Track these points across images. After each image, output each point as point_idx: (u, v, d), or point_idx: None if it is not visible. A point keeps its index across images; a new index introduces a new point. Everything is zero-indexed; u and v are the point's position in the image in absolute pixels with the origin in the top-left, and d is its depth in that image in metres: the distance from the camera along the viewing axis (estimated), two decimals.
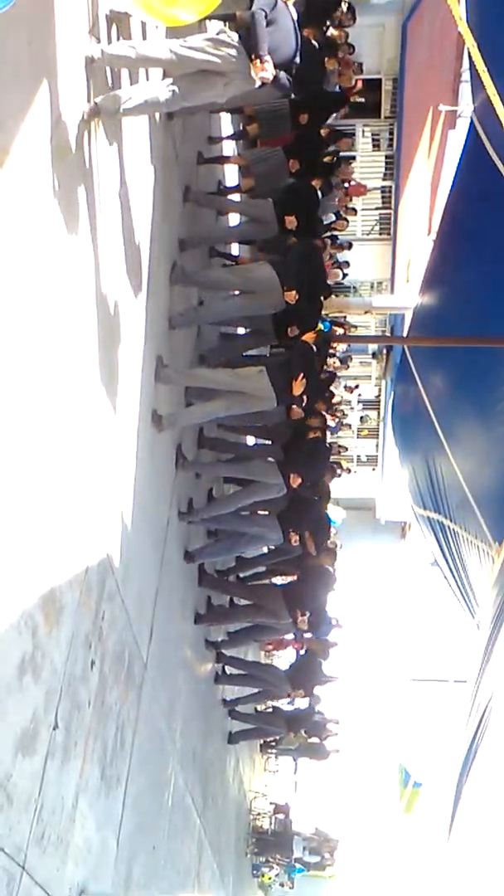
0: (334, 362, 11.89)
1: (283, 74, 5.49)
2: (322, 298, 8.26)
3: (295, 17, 5.84)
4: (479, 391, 9.97)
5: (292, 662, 11.18)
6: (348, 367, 16.98)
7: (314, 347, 7.47)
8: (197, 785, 9.42)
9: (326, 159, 9.50)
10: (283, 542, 8.80)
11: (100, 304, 5.22)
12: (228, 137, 10.03)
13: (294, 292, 7.37)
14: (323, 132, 8.82)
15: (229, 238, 9.72)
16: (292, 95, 7.72)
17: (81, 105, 4.73)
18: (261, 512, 8.94)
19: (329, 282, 8.95)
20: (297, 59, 5.86)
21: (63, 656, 4.62)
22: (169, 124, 7.25)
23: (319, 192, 8.65)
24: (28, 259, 3.94)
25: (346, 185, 11.68)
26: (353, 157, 15.69)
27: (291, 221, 7.88)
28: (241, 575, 10.88)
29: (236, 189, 9.41)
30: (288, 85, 5.69)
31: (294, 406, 7.32)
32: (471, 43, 5.15)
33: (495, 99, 5.10)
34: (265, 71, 5.17)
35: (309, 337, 7.41)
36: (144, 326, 6.45)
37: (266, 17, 5.35)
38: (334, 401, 15.85)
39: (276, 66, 5.34)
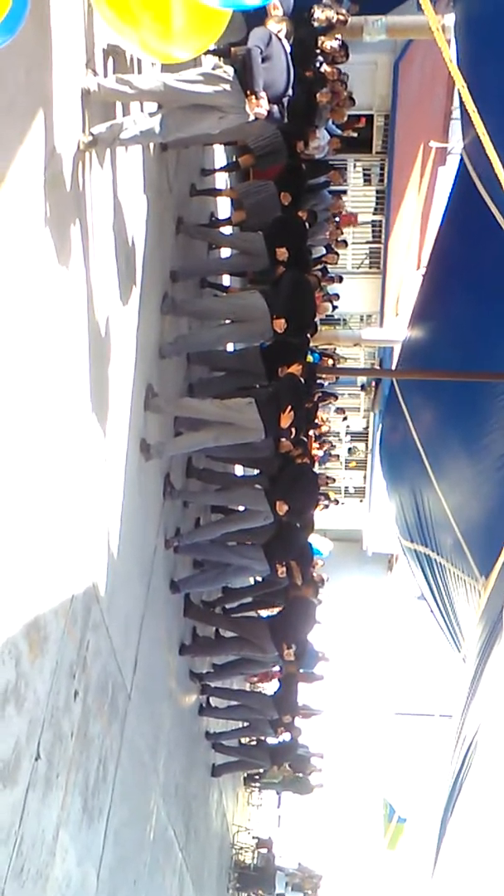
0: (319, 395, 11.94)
1: (275, 108, 5.56)
2: (308, 334, 8.30)
3: (288, 51, 5.92)
4: (467, 425, 10.02)
5: (277, 689, 11.11)
6: (336, 398, 17.05)
7: (301, 380, 7.49)
8: (179, 818, 9.32)
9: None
10: (270, 573, 8.78)
11: (90, 334, 5.23)
12: (221, 169, 10.13)
13: (283, 321, 7.40)
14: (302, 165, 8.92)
15: (220, 270, 9.78)
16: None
17: (77, 135, 4.77)
18: (247, 543, 8.92)
19: (318, 316, 8.98)
20: (290, 92, 5.93)
21: (46, 686, 4.58)
22: (163, 156, 7.32)
23: (306, 224, 8.72)
24: (20, 287, 3.95)
25: (337, 217, 11.80)
26: (345, 191, 15.81)
27: (283, 253, 7.94)
28: (228, 606, 10.84)
29: (228, 221, 9.48)
30: (280, 118, 5.76)
31: (283, 439, 7.33)
32: (460, 83, 5.23)
33: (484, 138, 5.17)
34: (260, 107, 5.25)
35: (295, 369, 7.42)
36: (135, 356, 6.46)
37: (261, 53, 5.42)
38: (323, 429, 15.92)
39: (270, 101, 5.41)
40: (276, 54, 5.66)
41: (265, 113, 5.30)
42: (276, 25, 6.28)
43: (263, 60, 5.42)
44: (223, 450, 8.20)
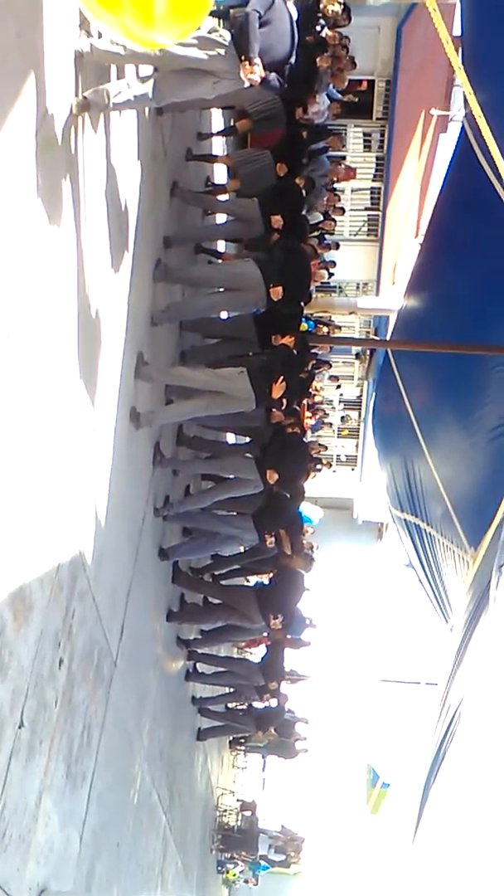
0: (313, 363, 11.87)
1: (273, 75, 5.45)
2: (302, 303, 8.23)
3: (294, 16, 5.79)
4: (460, 397, 10.00)
5: (264, 655, 11.19)
6: (330, 366, 17.00)
7: (294, 350, 7.44)
8: (164, 782, 9.41)
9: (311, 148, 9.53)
10: (259, 542, 8.79)
11: (81, 300, 5.17)
12: (218, 133, 10.00)
13: (280, 288, 7.33)
14: (304, 133, 8.78)
15: (215, 236, 9.68)
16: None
17: (70, 99, 4.68)
18: (236, 513, 8.92)
19: (314, 284, 8.91)
20: (292, 60, 5.82)
21: (31, 654, 4.57)
22: (158, 119, 7.20)
23: (303, 191, 8.62)
24: (9, 252, 3.89)
25: (335, 184, 11.67)
26: (344, 157, 15.63)
27: (277, 221, 7.85)
28: (216, 573, 10.87)
29: (223, 188, 9.38)
30: (278, 86, 5.66)
31: (274, 409, 7.30)
32: (451, 52, 5.15)
33: (478, 112, 5.09)
34: (254, 73, 5.14)
35: (288, 340, 7.37)
36: (126, 323, 6.40)
37: (260, 17, 5.31)
38: (316, 400, 15.87)
39: (267, 67, 5.31)
40: (277, 19, 5.54)
41: (258, 79, 5.20)
42: None
43: (262, 25, 5.30)
44: (214, 418, 8.17)
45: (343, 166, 12.47)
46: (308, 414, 14.31)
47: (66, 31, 4.58)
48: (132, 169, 6.35)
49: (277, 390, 6.96)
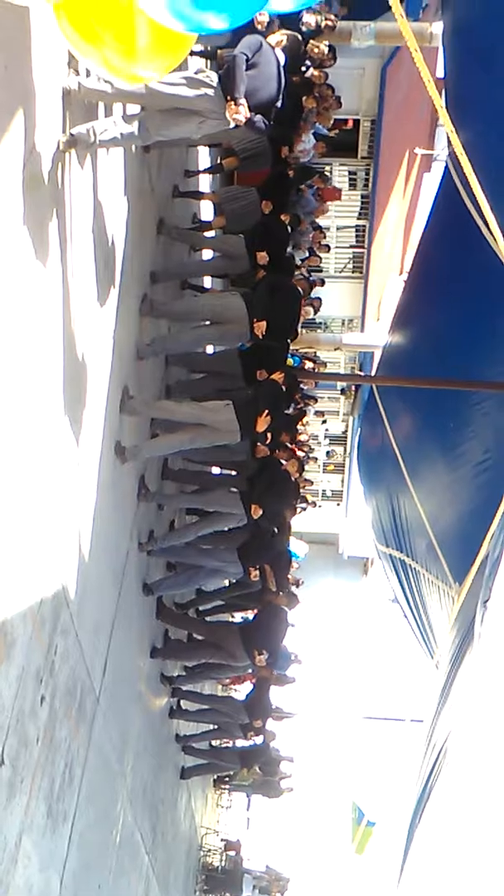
0: (300, 398, 11.87)
1: (258, 117, 5.52)
2: (289, 339, 8.26)
3: (281, 61, 5.86)
4: (444, 432, 10.03)
5: (249, 693, 11.09)
6: (316, 401, 17.04)
7: (283, 386, 7.46)
8: (146, 821, 9.27)
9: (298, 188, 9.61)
10: (243, 575, 8.75)
11: (67, 334, 5.18)
12: (205, 171, 10.08)
13: (264, 323, 7.36)
14: (290, 172, 8.87)
15: (201, 272, 9.73)
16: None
17: (57, 135, 4.72)
18: (221, 547, 8.89)
19: (301, 321, 8.93)
20: (279, 104, 5.89)
21: (12, 691, 4.52)
22: (145, 157, 7.27)
23: (289, 227, 8.68)
24: None
25: (320, 194, 11.72)
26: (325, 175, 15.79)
27: (263, 257, 7.91)
28: (201, 608, 10.80)
29: (209, 226, 9.46)
30: (264, 127, 5.72)
31: (259, 444, 7.30)
32: (433, 92, 5.22)
33: (459, 150, 5.16)
34: (239, 113, 5.20)
35: (277, 376, 7.40)
36: (112, 357, 6.41)
37: (248, 60, 5.38)
38: (301, 437, 15.89)
39: (253, 109, 5.37)
40: (264, 62, 5.61)
41: (243, 120, 5.26)
42: (276, 37, 6.27)
43: (249, 68, 5.37)
44: (199, 452, 8.17)
45: (327, 205, 12.61)
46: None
47: (54, 68, 4.63)
48: (119, 205, 6.39)
49: (262, 424, 6.96)
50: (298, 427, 13.10)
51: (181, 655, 10.02)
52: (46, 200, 4.63)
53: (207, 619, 10.58)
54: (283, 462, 8.19)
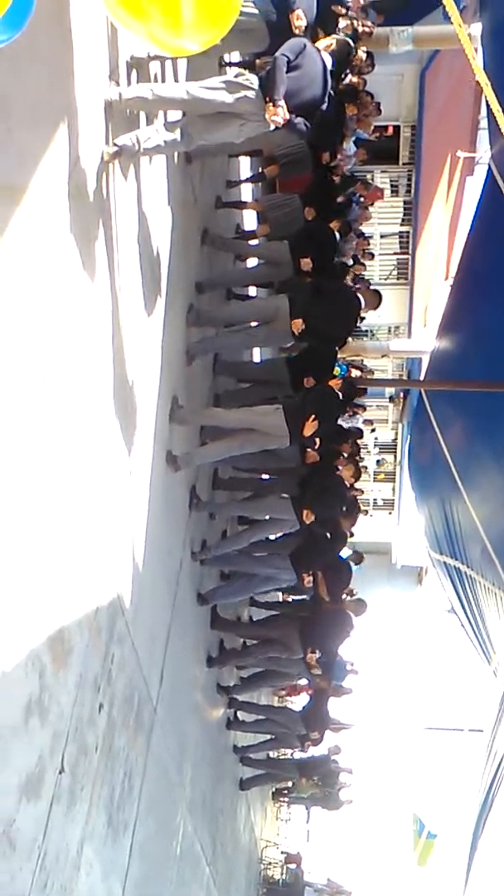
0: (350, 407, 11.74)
1: (299, 119, 5.51)
2: (337, 346, 8.19)
3: (328, 65, 5.84)
4: (496, 436, 9.93)
5: (306, 704, 11.04)
6: (365, 409, 16.97)
7: (339, 394, 7.44)
8: (206, 832, 9.25)
9: (340, 199, 9.54)
10: (297, 582, 8.69)
11: (115, 346, 5.22)
12: (247, 180, 10.13)
13: (300, 321, 7.33)
14: (335, 178, 8.85)
15: (246, 280, 9.76)
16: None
17: (100, 146, 4.77)
18: (274, 552, 8.86)
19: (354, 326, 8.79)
20: (324, 106, 5.88)
21: (71, 699, 4.55)
22: (188, 168, 7.33)
23: (337, 234, 8.64)
24: (45, 299, 3.94)
25: (362, 200, 11.67)
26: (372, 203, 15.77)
27: (307, 263, 7.90)
28: (255, 618, 10.79)
29: (253, 234, 9.49)
30: (305, 130, 5.71)
31: (308, 449, 7.29)
32: (489, 92, 5.18)
33: None
34: (277, 115, 5.21)
35: (335, 383, 7.40)
36: (160, 367, 6.45)
37: (289, 62, 5.38)
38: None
39: (295, 111, 5.37)
40: (307, 65, 5.58)
41: (282, 121, 5.26)
42: (326, 41, 6.28)
43: (291, 70, 5.38)
44: (249, 459, 8.16)
45: (370, 212, 12.56)
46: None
47: (96, 79, 4.68)
48: (162, 216, 6.44)
49: (309, 428, 6.94)
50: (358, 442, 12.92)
51: (237, 660, 9.96)
52: (92, 211, 4.68)
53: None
54: (339, 469, 8.15)
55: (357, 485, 9.15)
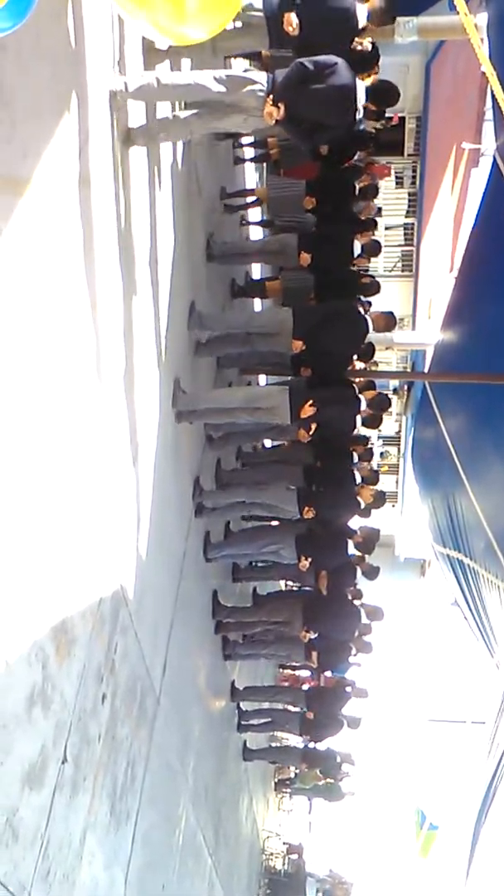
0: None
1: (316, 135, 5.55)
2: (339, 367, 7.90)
3: (360, 94, 5.68)
4: (501, 428, 9.91)
5: (310, 688, 11.07)
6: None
7: (354, 389, 7.47)
8: (209, 823, 9.28)
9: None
10: (296, 562, 8.56)
11: (124, 334, 5.23)
12: (251, 160, 10.10)
13: (301, 342, 7.23)
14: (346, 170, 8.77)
15: (254, 254, 9.53)
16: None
17: (104, 136, 4.76)
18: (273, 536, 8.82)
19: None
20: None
21: (74, 689, 4.56)
22: (191, 158, 7.30)
23: (353, 246, 8.44)
24: (50, 288, 3.94)
25: (369, 170, 11.57)
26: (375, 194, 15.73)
27: (305, 259, 7.82)
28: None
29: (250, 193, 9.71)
30: (311, 142, 5.74)
31: (301, 428, 7.21)
32: (494, 83, 5.15)
33: None
34: (272, 113, 5.19)
35: (370, 393, 7.70)
36: (164, 353, 6.45)
37: (307, 71, 5.28)
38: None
39: (304, 121, 5.35)
40: (334, 82, 5.38)
41: (274, 120, 5.23)
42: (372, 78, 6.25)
43: (308, 81, 5.30)
44: (254, 456, 8.16)
45: (375, 203, 12.48)
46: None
47: (101, 69, 4.67)
48: (167, 207, 6.43)
49: (306, 411, 6.94)
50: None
51: (242, 619, 9.80)
52: (96, 201, 4.65)
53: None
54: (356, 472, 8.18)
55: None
